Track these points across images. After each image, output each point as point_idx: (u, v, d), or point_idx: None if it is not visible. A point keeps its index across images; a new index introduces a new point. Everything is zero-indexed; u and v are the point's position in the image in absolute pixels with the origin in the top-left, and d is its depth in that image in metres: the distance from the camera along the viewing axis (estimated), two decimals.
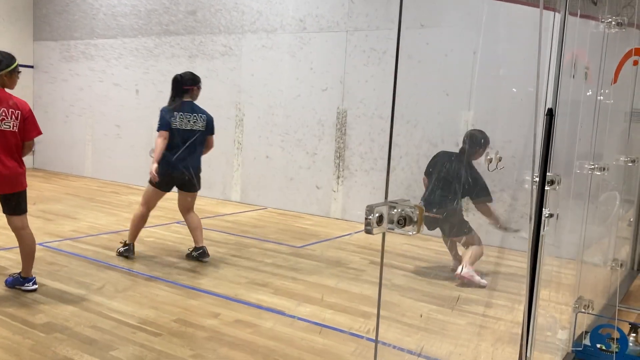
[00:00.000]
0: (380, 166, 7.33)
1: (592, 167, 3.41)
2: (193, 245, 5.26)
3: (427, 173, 5.07)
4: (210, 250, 5.33)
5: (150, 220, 6.75)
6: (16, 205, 4.01)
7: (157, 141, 5.01)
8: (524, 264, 4.82)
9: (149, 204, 5.15)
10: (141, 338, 3.45)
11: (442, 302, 4.43)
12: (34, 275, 4.20)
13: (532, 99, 2.01)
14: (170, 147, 5.02)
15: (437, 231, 5.05)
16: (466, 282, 4.68)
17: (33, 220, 6.41)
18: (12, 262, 4.67)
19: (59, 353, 3.20)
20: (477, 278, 4.70)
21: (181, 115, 5.04)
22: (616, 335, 3.16)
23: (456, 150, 5.17)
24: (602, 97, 3.61)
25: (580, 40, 2.91)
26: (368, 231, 1.29)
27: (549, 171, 2.25)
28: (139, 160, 8.76)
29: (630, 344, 3.25)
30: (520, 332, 2.49)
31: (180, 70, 5.42)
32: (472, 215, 4.99)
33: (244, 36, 8.39)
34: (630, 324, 3.40)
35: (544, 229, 2.31)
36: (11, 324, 3.57)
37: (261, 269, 5.08)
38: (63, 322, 3.63)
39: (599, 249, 4.34)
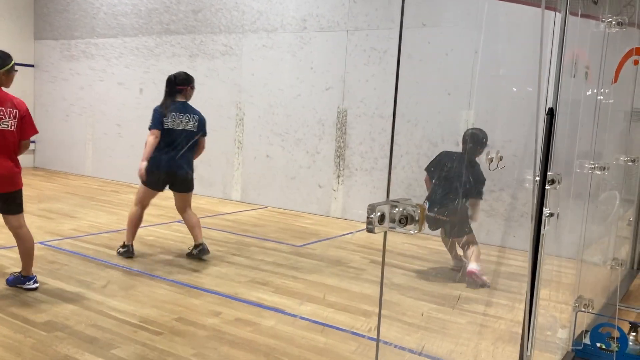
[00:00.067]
0: (380, 165, 7.34)
1: (592, 166, 3.42)
2: (193, 243, 5.27)
3: (429, 172, 5.05)
4: (211, 249, 5.34)
5: (151, 219, 6.78)
6: (13, 204, 4.02)
7: (148, 140, 5.03)
8: (523, 263, 4.84)
9: (142, 203, 5.18)
10: (142, 337, 3.46)
11: (442, 301, 4.44)
12: (34, 274, 4.21)
13: (532, 99, 2.02)
14: (162, 147, 5.03)
15: (437, 231, 5.06)
16: (475, 279, 4.66)
17: (34, 219, 6.45)
18: (13, 261, 4.67)
19: (60, 351, 3.20)
20: (484, 278, 4.71)
21: (174, 115, 5.04)
22: (616, 334, 3.17)
23: (458, 149, 5.18)
24: (602, 97, 3.62)
25: (580, 39, 2.91)
26: (370, 230, 1.30)
27: (549, 170, 2.25)
28: (140, 160, 8.75)
29: (630, 343, 3.26)
30: (520, 331, 2.49)
31: (180, 70, 5.43)
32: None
33: (244, 36, 8.40)
34: (630, 323, 3.41)
35: (544, 228, 2.32)
36: (12, 322, 3.57)
37: (261, 267, 5.09)
38: (64, 321, 3.63)
39: (599, 248, 4.35)
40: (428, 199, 4.93)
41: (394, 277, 5.04)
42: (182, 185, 5.20)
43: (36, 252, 4.59)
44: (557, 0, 2.24)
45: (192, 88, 5.22)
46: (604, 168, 3.55)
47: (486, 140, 4.99)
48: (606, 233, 4.51)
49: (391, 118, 7.09)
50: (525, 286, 2.37)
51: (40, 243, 5.47)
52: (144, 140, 5.14)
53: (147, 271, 4.81)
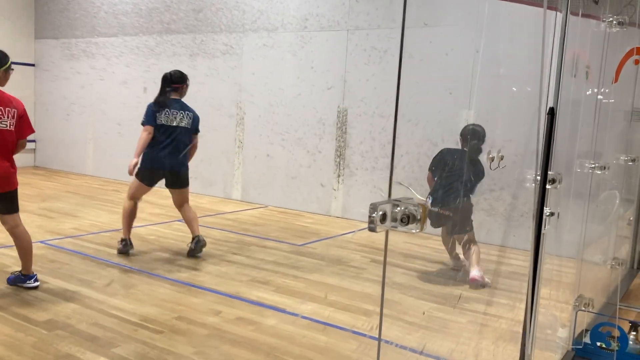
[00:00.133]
0: (381, 165, 7.34)
1: (593, 166, 3.42)
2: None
3: (432, 170, 5.04)
4: (212, 248, 5.35)
5: (152, 218, 6.79)
6: (8, 204, 4.03)
7: (141, 136, 5.09)
8: (524, 262, 4.84)
9: (134, 197, 5.23)
10: (143, 335, 3.47)
11: (443, 301, 4.44)
12: (34, 273, 4.22)
13: (533, 98, 2.02)
14: (155, 143, 5.09)
15: (437, 230, 5.06)
16: (477, 285, 4.67)
17: (34, 218, 6.46)
18: (14, 260, 4.67)
19: (61, 350, 3.21)
20: (486, 279, 4.71)
21: (167, 111, 5.11)
22: (616, 333, 3.17)
23: (458, 148, 5.17)
24: (602, 96, 3.62)
25: (581, 39, 2.92)
26: (371, 229, 1.30)
27: (550, 170, 2.26)
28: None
29: (631, 342, 3.27)
30: (521, 330, 2.50)
31: (180, 69, 5.45)
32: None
33: (245, 35, 8.40)
34: (630, 322, 3.41)
35: (545, 227, 2.32)
36: (13, 321, 3.58)
37: (262, 267, 5.09)
38: (65, 320, 3.64)
39: (599, 247, 4.36)
40: (431, 194, 4.91)
41: (395, 276, 5.05)
42: (177, 181, 5.25)
43: (37, 251, 4.59)
44: (558, 0, 2.25)
45: (187, 86, 5.31)
46: (605, 168, 3.56)
47: (485, 135, 5.00)
48: (606, 232, 4.52)
49: (391, 117, 7.11)
50: (525, 285, 2.38)
51: (41, 242, 5.48)
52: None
53: (148, 270, 4.82)
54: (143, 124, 5.11)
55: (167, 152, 5.10)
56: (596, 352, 3.22)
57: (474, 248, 4.77)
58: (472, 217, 4.95)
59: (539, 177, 2.21)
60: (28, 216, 6.47)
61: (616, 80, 3.95)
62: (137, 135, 5.15)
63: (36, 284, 4.18)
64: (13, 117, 3.94)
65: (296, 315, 3.94)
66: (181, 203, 5.32)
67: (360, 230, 6.79)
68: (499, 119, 6.02)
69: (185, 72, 5.40)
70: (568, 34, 2.23)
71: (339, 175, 7.68)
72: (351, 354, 3.38)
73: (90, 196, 8.22)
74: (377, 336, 3.58)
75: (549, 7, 2.09)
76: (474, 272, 4.67)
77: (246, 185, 8.52)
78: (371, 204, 1.28)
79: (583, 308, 3.37)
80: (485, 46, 5.66)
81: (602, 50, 3.51)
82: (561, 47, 2.23)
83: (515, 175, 5.33)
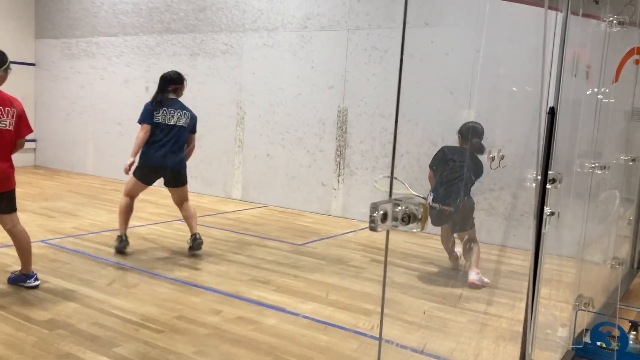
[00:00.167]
0: (381, 164, 7.34)
1: (593, 165, 3.43)
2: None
3: (433, 168, 5.02)
4: (212, 247, 5.36)
5: (152, 217, 6.80)
6: (7, 203, 4.03)
7: (138, 135, 5.14)
8: (524, 262, 4.85)
9: (130, 195, 5.25)
10: (144, 335, 3.47)
11: (443, 300, 4.45)
12: (34, 272, 4.22)
13: (533, 98, 2.03)
14: (152, 141, 5.13)
15: (438, 229, 5.06)
16: (476, 287, 4.68)
17: (35, 217, 6.46)
18: (15, 259, 4.67)
19: (62, 349, 3.21)
20: (485, 280, 4.71)
21: (165, 110, 5.15)
22: (616, 333, 3.17)
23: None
24: (603, 96, 3.62)
25: (581, 39, 2.92)
26: (372, 228, 1.31)
27: (550, 169, 2.26)
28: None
29: (631, 342, 3.27)
30: (521, 329, 2.51)
31: (181, 69, 5.47)
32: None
33: (245, 34, 8.40)
34: (630, 322, 3.41)
35: (545, 227, 2.33)
36: (14, 320, 3.59)
37: (262, 266, 5.10)
38: (66, 319, 3.64)
39: (599, 247, 4.36)
40: (433, 191, 4.90)
41: (396, 275, 5.05)
42: (174, 180, 5.29)
43: (38, 251, 4.60)
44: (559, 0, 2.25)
45: (184, 87, 5.37)
46: (605, 167, 3.56)
47: (484, 133, 5.00)
48: (606, 232, 4.52)
49: (391, 117, 7.12)
50: (525, 285, 2.38)
51: (42, 241, 5.48)
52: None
53: (148, 269, 4.82)
54: (140, 122, 5.16)
55: (164, 150, 5.13)
56: (596, 352, 3.22)
57: (475, 248, 4.77)
58: (474, 215, 4.95)
59: (539, 177, 2.22)
60: (29, 216, 6.48)
61: (616, 80, 3.95)
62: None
63: (36, 282, 4.18)
64: (12, 117, 3.95)
65: (297, 314, 3.94)
66: (181, 201, 5.37)
67: (361, 229, 6.80)
68: (499, 118, 6.02)
69: (185, 71, 5.43)
70: (568, 33, 2.23)
71: (339, 175, 7.69)
72: (352, 353, 3.38)
73: (91, 196, 8.23)
74: (377, 336, 3.58)
75: (550, 7, 2.09)
76: (472, 276, 4.68)
77: (246, 185, 8.53)
78: (372, 204, 1.28)
79: (583, 308, 3.37)
80: (485, 46, 5.66)
81: (602, 50, 3.51)
82: (562, 47, 2.23)
83: (515, 175, 5.34)
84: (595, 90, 3.54)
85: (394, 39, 7.10)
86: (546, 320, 3.26)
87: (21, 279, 4.18)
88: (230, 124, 8.56)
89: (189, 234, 5.32)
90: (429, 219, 4.80)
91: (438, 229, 5.04)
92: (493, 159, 4.02)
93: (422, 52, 6.72)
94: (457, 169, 4.85)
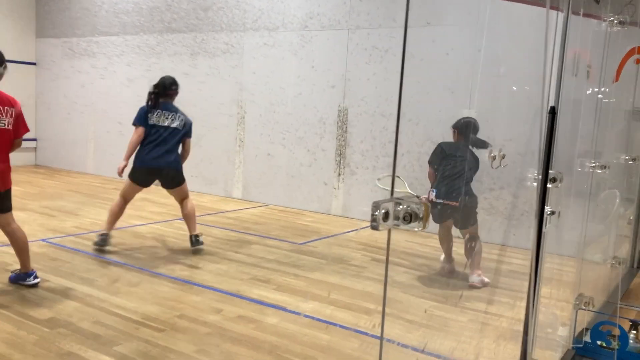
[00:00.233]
0: (381, 164, 7.35)
1: (593, 165, 3.43)
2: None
3: (433, 165, 4.99)
4: (213, 246, 5.36)
5: (152, 216, 6.80)
6: (4, 203, 4.04)
7: (131, 138, 5.20)
8: (524, 261, 4.85)
9: (125, 196, 5.29)
10: (145, 333, 3.48)
11: (443, 299, 4.45)
12: (34, 270, 4.23)
13: (533, 97, 2.03)
14: (147, 143, 5.18)
15: (437, 228, 5.04)
16: (477, 288, 4.68)
17: (36, 216, 6.47)
18: (15, 258, 4.69)
19: (63, 348, 3.22)
20: (485, 280, 4.71)
21: (159, 112, 5.22)
22: (616, 332, 3.18)
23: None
24: (603, 96, 3.63)
25: (582, 38, 2.92)
26: (374, 227, 1.31)
27: (551, 169, 2.27)
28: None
29: (631, 341, 3.27)
30: (521, 328, 2.51)
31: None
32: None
33: (245, 34, 8.40)
34: (630, 321, 3.42)
35: (545, 226, 2.33)
36: (15, 319, 3.59)
37: (263, 265, 5.10)
38: (67, 318, 3.65)
39: (600, 246, 4.36)
40: (434, 188, 4.87)
41: (396, 275, 5.05)
42: (170, 181, 5.33)
43: (38, 250, 4.60)
44: None
45: (177, 92, 5.43)
46: (605, 167, 3.56)
47: (479, 129, 5.00)
48: (607, 231, 4.52)
49: (392, 116, 7.12)
50: (526, 284, 2.38)
51: (43, 240, 5.49)
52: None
53: (149, 268, 4.83)
54: (134, 124, 5.21)
55: (158, 151, 5.18)
56: (596, 351, 3.22)
57: (477, 248, 4.75)
58: (477, 210, 4.93)
59: (540, 176, 2.22)
60: (29, 214, 6.49)
61: (617, 79, 3.95)
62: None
63: (36, 280, 4.19)
64: (11, 116, 3.95)
65: (297, 313, 3.95)
66: (181, 200, 5.41)
67: (362, 228, 6.80)
68: (500, 118, 6.02)
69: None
70: (569, 33, 2.24)
71: (339, 174, 7.69)
72: (353, 352, 3.39)
73: (91, 195, 8.24)
74: (378, 335, 3.59)
75: (551, 7, 2.10)
76: (473, 278, 4.68)
77: (247, 184, 8.53)
78: (374, 202, 1.29)
79: (583, 307, 3.38)
80: (486, 45, 5.66)
81: (603, 50, 3.52)
82: (562, 47, 2.24)
83: (515, 174, 5.34)
84: (596, 89, 3.54)
85: (394, 39, 7.11)
86: (546, 320, 3.26)
87: (21, 278, 4.18)
88: (230, 123, 8.56)
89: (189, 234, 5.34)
90: (431, 219, 4.78)
91: (437, 228, 5.02)
92: (494, 158, 4.02)
93: (422, 52, 6.72)
94: (457, 164, 4.84)
